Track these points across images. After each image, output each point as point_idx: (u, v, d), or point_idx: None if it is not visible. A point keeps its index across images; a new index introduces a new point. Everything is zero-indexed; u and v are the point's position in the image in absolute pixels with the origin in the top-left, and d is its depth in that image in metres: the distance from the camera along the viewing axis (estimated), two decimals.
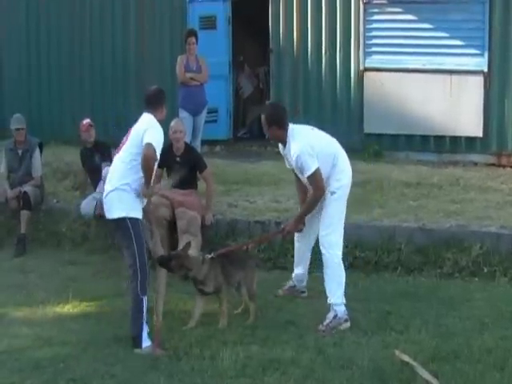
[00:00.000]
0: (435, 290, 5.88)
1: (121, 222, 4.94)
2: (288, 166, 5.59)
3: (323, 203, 5.34)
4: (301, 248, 5.80)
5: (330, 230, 5.29)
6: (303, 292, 5.87)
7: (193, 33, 8.90)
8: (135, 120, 10.78)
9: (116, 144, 8.38)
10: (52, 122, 11.13)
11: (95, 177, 7.57)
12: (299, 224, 5.53)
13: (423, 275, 6.24)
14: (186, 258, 5.20)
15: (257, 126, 11.42)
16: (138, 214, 4.98)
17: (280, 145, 5.48)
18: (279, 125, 5.28)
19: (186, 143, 7.08)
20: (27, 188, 7.63)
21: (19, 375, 4.52)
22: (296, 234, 5.76)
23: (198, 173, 6.99)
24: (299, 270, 5.84)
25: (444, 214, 6.89)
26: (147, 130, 4.91)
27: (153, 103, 5.17)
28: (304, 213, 5.48)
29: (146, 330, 4.88)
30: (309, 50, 9.89)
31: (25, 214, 7.52)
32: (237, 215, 7.26)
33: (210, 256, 5.31)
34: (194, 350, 4.75)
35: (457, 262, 6.23)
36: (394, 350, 4.57)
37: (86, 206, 7.38)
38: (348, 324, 5.18)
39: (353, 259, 6.44)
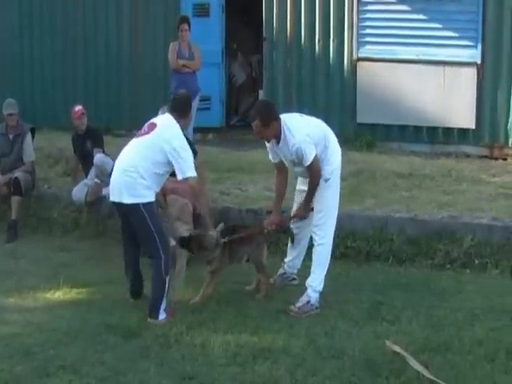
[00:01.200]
0: (427, 281, 5.88)
1: (134, 208, 4.98)
2: (273, 160, 5.53)
3: (318, 191, 5.33)
4: (297, 236, 5.77)
5: (325, 219, 5.32)
6: (294, 279, 5.87)
7: (185, 19, 8.85)
8: (129, 107, 10.77)
9: (108, 129, 8.35)
10: (45, 108, 11.07)
11: (87, 163, 7.55)
12: (309, 207, 5.48)
13: (415, 266, 6.24)
14: (206, 238, 5.32)
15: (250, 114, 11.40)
16: (151, 198, 5.03)
17: (271, 141, 5.37)
18: (276, 117, 5.24)
19: None
20: (18, 174, 7.58)
21: (9, 361, 4.49)
22: (293, 223, 5.73)
23: None
24: (293, 255, 5.83)
25: (436, 205, 6.88)
26: (177, 152, 5.00)
27: (181, 109, 5.27)
28: (309, 199, 5.43)
29: (164, 304, 5.05)
30: (302, 39, 9.83)
31: (16, 200, 7.48)
32: (229, 203, 7.24)
33: (223, 240, 5.39)
34: (184, 338, 4.74)
35: (448, 254, 6.24)
36: (385, 340, 4.57)
37: (78, 192, 7.36)
38: (317, 311, 5.24)
39: (344, 249, 6.46)
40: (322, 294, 5.39)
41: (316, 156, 5.20)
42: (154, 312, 5.03)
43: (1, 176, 7.63)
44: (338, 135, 9.68)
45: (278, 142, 5.30)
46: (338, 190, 5.43)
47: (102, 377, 4.24)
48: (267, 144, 5.47)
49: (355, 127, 9.69)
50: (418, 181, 7.69)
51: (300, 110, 9.75)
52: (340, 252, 6.44)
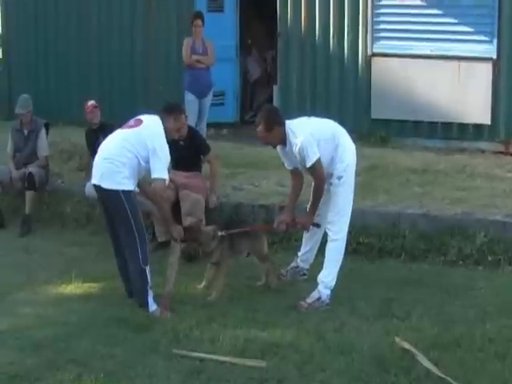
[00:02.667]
0: (438, 278, 5.84)
1: (113, 194, 5.03)
2: (288, 167, 5.56)
3: (331, 189, 5.33)
4: (312, 230, 5.74)
5: (339, 216, 5.32)
6: (304, 274, 5.85)
7: (199, 15, 8.84)
8: (143, 103, 10.81)
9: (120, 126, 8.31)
10: (60, 104, 11.11)
11: None
12: (312, 218, 5.51)
13: (427, 262, 6.20)
14: (199, 231, 5.44)
15: None
16: (131, 187, 5.08)
17: (278, 147, 5.43)
18: (281, 122, 5.27)
19: (189, 127, 7.03)
20: (32, 168, 7.62)
21: (20, 354, 4.52)
22: None
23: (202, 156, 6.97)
24: (306, 249, 5.82)
25: (449, 201, 6.83)
26: (155, 153, 5.04)
27: (169, 109, 5.39)
28: (314, 205, 5.44)
29: (151, 295, 5.06)
30: (316, 33, 9.80)
31: (29, 195, 7.52)
32: (241, 198, 7.24)
33: (220, 233, 5.46)
34: (194, 333, 4.75)
35: (461, 250, 6.18)
36: (394, 336, 4.55)
37: (91, 187, 7.33)
38: (328, 307, 5.21)
39: (356, 245, 6.42)
40: (333, 290, 5.37)
41: (319, 159, 5.17)
42: (142, 306, 5.06)
43: (15, 171, 7.68)
44: (352, 131, 9.66)
45: (285, 147, 5.33)
46: (352, 187, 5.40)
47: (111, 370, 4.25)
48: (279, 151, 5.49)
49: (369, 123, 9.65)
50: (431, 177, 7.64)
51: (314, 106, 9.97)
52: (352, 248, 6.39)
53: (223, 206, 7.07)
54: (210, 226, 5.66)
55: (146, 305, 5.06)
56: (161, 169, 5.07)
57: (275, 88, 10.61)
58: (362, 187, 7.19)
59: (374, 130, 9.55)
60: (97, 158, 5.23)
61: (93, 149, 7.67)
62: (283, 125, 5.26)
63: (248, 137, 10.06)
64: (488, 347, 4.49)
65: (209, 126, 9.43)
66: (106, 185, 5.07)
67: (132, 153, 5.06)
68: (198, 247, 5.61)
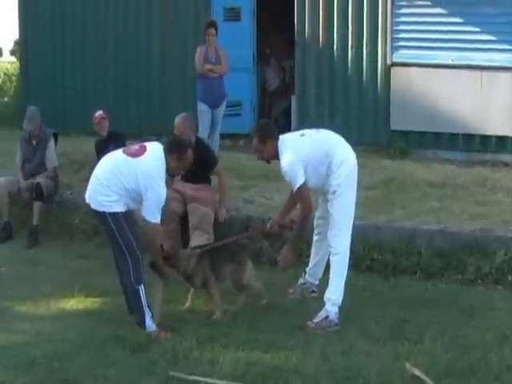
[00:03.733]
0: (455, 298, 5.57)
1: (100, 215, 4.93)
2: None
3: (328, 203, 5.17)
4: (318, 243, 5.61)
5: (337, 229, 5.13)
6: (314, 291, 5.64)
7: (212, 24, 8.70)
8: (159, 112, 10.61)
9: (139, 135, 8.18)
10: (76, 113, 11.05)
11: None
12: (293, 253, 5.40)
13: (443, 281, 5.93)
14: (174, 257, 5.21)
15: (282, 121, 11.22)
16: (118, 209, 4.90)
17: (268, 163, 5.42)
18: (274, 137, 5.22)
19: (197, 138, 6.84)
20: (40, 179, 7.49)
21: (13, 372, 4.37)
22: (315, 229, 5.58)
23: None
24: (314, 263, 5.65)
25: (468, 216, 6.55)
26: (147, 193, 4.80)
27: (173, 148, 5.02)
28: (296, 238, 5.39)
29: (148, 315, 4.89)
30: (334, 43, 9.60)
31: (37, 206, 7.39)
32: (252, 212, 7.03)
33: (197, 251, 5.35)
34: (193, 353, 4.54)
35: (479, 268, 5.90)
36: (405, 362, 4.28)
37: None
38: (337, 328, 4.99)
39: (370, 262, 6.19)
40: (342, 308, 5.13)
41: (304, 185, 5.09)
42: (141, 325, 4.89)
43: (23, 181, 7.56)
44: (371, 142, 9.53)
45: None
46: (351, 199, 5.20)
47: None
48: None
49: (389, 134, 9.44)
50: (450, 190, 7.35)
51: (332, 117, 9.75)
52: (366, 265, 6.19)
53: (233, 220, 6.86)
54: (186, 250, 5.54)
55: (143, 324, 4.88)
56: (150, 211, 4.82)
57: (293, 98, 10.42)
58: (378, 201, 6.99)
59: (393, 141, 9.34)
60: (91, 177, 5.06)
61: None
62: (276, 139, 5.20)
63: None
64: (506, 375, 4.21)
65: (225, 136, 9.28)
66: (93, 205, 4.99)
67: (121, 183, 4.87)
68: (179, 274, 5.29)
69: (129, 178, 4.85)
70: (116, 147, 7.25)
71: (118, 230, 4.86)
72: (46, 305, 5.62)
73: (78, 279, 6.07)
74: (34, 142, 7.69)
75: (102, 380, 4.22)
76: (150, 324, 4.88)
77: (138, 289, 4.85)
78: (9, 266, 6.69)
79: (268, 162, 5.40)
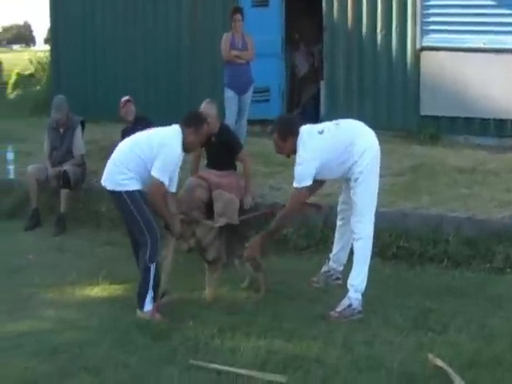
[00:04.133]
0: (482, 287, 5.44)
1: (117, 195, 4.93)
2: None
3: (351, 190, 5.11)
4: (342, 228, 5.52)
5: (361, 215, 5.05)
6: (338, 279, 5.57)
7: (238, 10, 8.64)
8: (188, 98, 10.63)
9: (169, 121, 8.17)
10: (107, 101, 11.10)
11: None
12: (261, 244, 5.29)
13: (471, 269, 5.79)
14: (196, 223, 5.23)
15: (312, 106, 11.13)
16: (134, 187, 4.92)
17: (288, 157, 5.31)
18: (296, 132, 5.08)
19: (221, 124, 6.80)
20: (67, 167, 7.53)
21: (35, 359, 4.38)
22: (339, 214, 5.50)
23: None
24: (338, 249, 5.57)
25: (497, 203, 6.38)
26: (159, 153, 4.83)
27: (190, 122, 5.05)
28: (271, 231, 5.32)
29: (150, 294, 4.90)
30: (363, 27, 9.47)
31: (64, 193, 7.44)
32: (277, 198, 6.97)
33: (217, 225, 5.33)
34: (215, 342, 4.50)
35: (508, 257, 5.75)
36: (428, 352, 4.19)
37: None
38: (360, 316, 4.91)
39: (396, 249, 6.09)
40: (366, 297, 5.05)
41: (305, 190, 5.02)
42: (139, 301, 4.93)
43: (51, 169, 7.61)
44: (400, 128, 9.38)
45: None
46: (373, 185, 5.10)
47: (123, 381, 4.05)
48: None
49: (418, 120, 9.30)
50: (480, 177, 7.19)
51: (361, 102, 9.62)
52: (392, 253, 6.09)
53: (258, 206, 6.82)
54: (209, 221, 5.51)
55: (142, 302, 4.91)
56: (157, 168, 4.85)
57: (322, 83, 10.32)
58: (406, 188, 6.88)
59: (423, 127, 9.21)
60: (111, 157, 5.12)
61: None
62: (297, 135, 5.07)
63: None
64: None
65: (254, 122, 9.22)
66: (109, 186, 5.00)
67: (138, 156, 4.93)
68: (194, 242, 5.24)
69: (145, 147, 4.89)
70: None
71: (136, 207, 4.88)
72: (71, 292, 5.65)
73: (103, 266, 6.10)
74: (62, 130, 7.72)
75: (122, 368, 4.21)
76: (148, 305, 4.91)
77: (150, 267, 4.88)
78: (36, 253, 6.74)
79: (288, 156, 5.29)
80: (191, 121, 5.05)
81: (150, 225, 4.92)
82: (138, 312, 4.94)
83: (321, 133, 5.13)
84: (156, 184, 4.86)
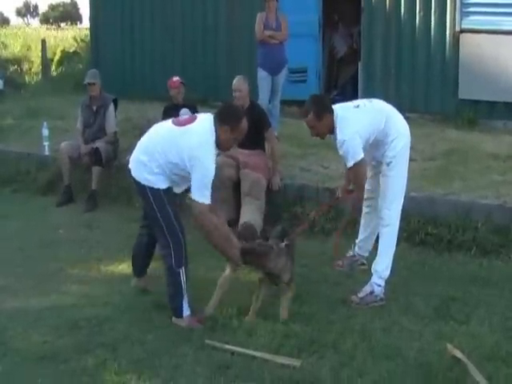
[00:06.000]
0: (510, 277, 5.30)
1: (141, 187, 4.50)
2: None
3: (381, 174, 5.00)
4: (368, 216, 5.44)
5: (390, 202, 4.96)
6: (363, 264, 5.51)
7: None
8: (225, 78, 10.54)
9: (205, 101, 8.05)
10: (144, 80, 11.18)
11: None
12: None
13: (500, 258, 5.65)
14: (263, 255, 4.49)
15: (350, 87, 10.98)
16: (159, 185, 4.44)
17: (323, 139, 5.11)
18: (331, 110, 4.88)
19: (251, 101, 6.76)
20: (99, 144, 7.59)
21: (55, 334, 4.45)
22: (365, 201, 5.38)
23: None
24: (364, 236, 5.51)
25: None
26: (193, 170, 4.26)
27: (225, 118, 4.44)
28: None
29: (185, 299, 4.51)
30: (402, 9, 9.26)
31: (96, 170, 7.51)
32: (307, 180, 6.91)
33: (283, 244, 4.67)
34: (232, 323, 4.49)
35: None
36: (447, 342, 4.10)
37: None
38: (382, 303, 4.84)
39: (424, 235, 5.98)
40: (389, 283, 4.99)
41: (361, 161, 4.81)
42: (175, 310, 4.52)
43: (84, 146, 7.69)
44: (438, 112, 9.16)
45: (335, 138, 4.93)
46: (405, 171, 5.02)
47: (138, 358, 4.08)
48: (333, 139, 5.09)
49: (457, 103, 9.07)
50: None
51: (398, 85, 9.44)
52: (420, 239, 5.99)
53: (287, 188, 6.78)
54: (268, 242, 4.69)
55: (179, 310, 4.50)
56: (195, 188, 4.29)
57: (360, 65, 10.15)
58: (437, 173, 6.75)
59: (461, 111, 8.99)
60: (136, 147, 4.64)
61: None
62: (332, 113, 4.88)
63: None
64: None
65: (291, 103, 9.12)
66: (133, 173, 4.54)
67: (165, 154, 4.39)
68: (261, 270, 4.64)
69: (171, 148, 4.36)
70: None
71: (159, 208, 4.42)
72: (96, 268, 5.72)
73: (130, 244, 6.04)
74: (95, 108, 7.78)
75: (138, 345, 4.24)
76: (186, 308, 4.51)
77: (179, 272, 4.44)
78: (66, 228, 6.85)
79: (322, 137, 5.08)
80: (227, 117, 4.43)
81: (172, 229, 4.43)
82: (175, 320, 4.53)
83: (357, 107, 5.02)
84: (198, 209, 4.30)
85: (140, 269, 5.16)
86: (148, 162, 4.44)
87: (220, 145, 4.45)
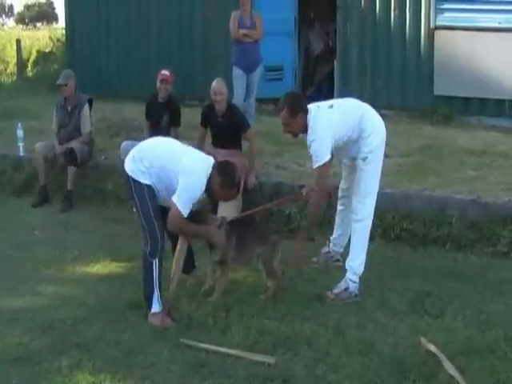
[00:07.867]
0: (485, 271, 5.35)
1: (126, 178, 4.64)
2: None
3: (356, 170, 5.00)
4: (342, 213, 5.47)
5: (363, 197, 4.96)
6: (338, 260, 5.52)
7: None
8: (201, 77, 10.46)
9: (181, 100, 7.84)
10: (120, 79, 11.12)
11: (156, 134, 7.28)
12: (304, 249, 5.20)
13: (474, 253, 5.70)
14: (206, 219, 4.78)
15: (326, 85, 11.02)
16: (144, 181, 4.56)
17: (295, 137, 5.11)
18: (306, 110, 4.89)
19: (228, 103, 6.76)
20: (74, 144, 7.54)
21: (30, 335, 4.41)
22: (340, 199, 5.44)
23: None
24: (339, 232, 5.53)
25: (504, 186, 6.27)
26: (183, 180, 4.43)
27: (221, 170, 4.57)
28: (311, 223, 5.27)
29: (156, 294, 4.56)
30: (377, 6, 9.34)
31: (71, 170, 7.46)
32: (283, 178, 6.92)
33: (228, 219, 4.90)
34: (208, 321, 4.48)
35: None
36: (421, 337, 4.13)
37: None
38: (357, 299, 4.86)
39: (399, 231, 6.02)
40: (365, 279, 5.00)
41: (327, 165, 4.82)
42: (147, 300, 4.58)
43: (59, 146, 7.63)
44: (413, 108, 9.24)
45: (306, 137, 4.94)
46: (379, 167, 5.03)
47: (113, 357, 4.06)
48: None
49: (432, 100, 9.17)
50: (489, 159, 7.07)
51: (374, 82, 9.49)
52: (395, 234, 6.03)
53: (263, 186, 6.79)
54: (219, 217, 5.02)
55: (149, 302, 4.57)
56: (180, 198, 4.43)
57: (336, 63, 10.20)
58: (412, 169, 6.79)
59: (436, 107, 9.09)
60: (135, 147, 4.78)
61: (152, 123, 7.45)
62: (306, 112, 4.89)
63: None
64: None
65: (266, 101, 9.14)
66: (126, 167, 4.66)
67: (150, 162, 4.58)
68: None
69: (172, 158, 4.55)
70: (171, 119, 7.25)
71: (140, 201, 4.55)
72: (71, 269, 5.67)
73: (106, 244, 6.13)
74: (69, 108, 7.72)
75: (113, 345, 4.22)
76: (157, 306, 4.56)
77: (152, 262, 4.54)
78: (42, 229, 6.79)
79: (295, 135, 5.08)
80: (224, 174, 4.56)
81: (149, 222, 4.54)
82: (149, 317, 4.57)
83: (331, 107, 5.01)
84: (174, 211, 4.44)
85: (185, 267, 5.07)
86: (140, 160, 4.59)
87: (209, 191, 4.56)
